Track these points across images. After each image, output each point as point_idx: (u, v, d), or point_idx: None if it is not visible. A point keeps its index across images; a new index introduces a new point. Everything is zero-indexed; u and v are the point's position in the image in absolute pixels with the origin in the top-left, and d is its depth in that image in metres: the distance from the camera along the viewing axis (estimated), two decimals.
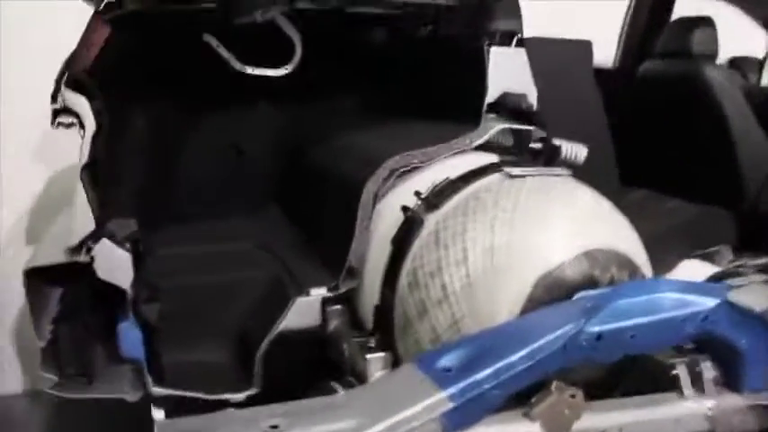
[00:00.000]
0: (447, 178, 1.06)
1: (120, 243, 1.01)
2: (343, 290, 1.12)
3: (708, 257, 1.42)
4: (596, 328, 0.82)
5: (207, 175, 1.54)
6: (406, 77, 1.50)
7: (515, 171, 1.02)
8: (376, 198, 1.12)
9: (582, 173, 1.20)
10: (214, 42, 1.34)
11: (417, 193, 1.06)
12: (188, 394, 1.07)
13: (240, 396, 1.12)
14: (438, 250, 0.97)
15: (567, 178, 1.04)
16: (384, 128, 1.32)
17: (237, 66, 1.36)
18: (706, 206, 1.52)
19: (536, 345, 0.80)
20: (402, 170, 1.12)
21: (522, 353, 0.79)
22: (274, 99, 1.56)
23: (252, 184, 1.57)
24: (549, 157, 1.12)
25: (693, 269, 1.38)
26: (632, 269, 0.95)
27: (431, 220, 1.01)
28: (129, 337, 1.03)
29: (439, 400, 0.77)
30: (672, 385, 0.95)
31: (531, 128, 1.21)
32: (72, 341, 1.09)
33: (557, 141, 1.13)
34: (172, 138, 1.48)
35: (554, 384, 0.83)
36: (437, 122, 1.27)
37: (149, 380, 1.03)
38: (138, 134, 1.39)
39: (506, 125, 1.19)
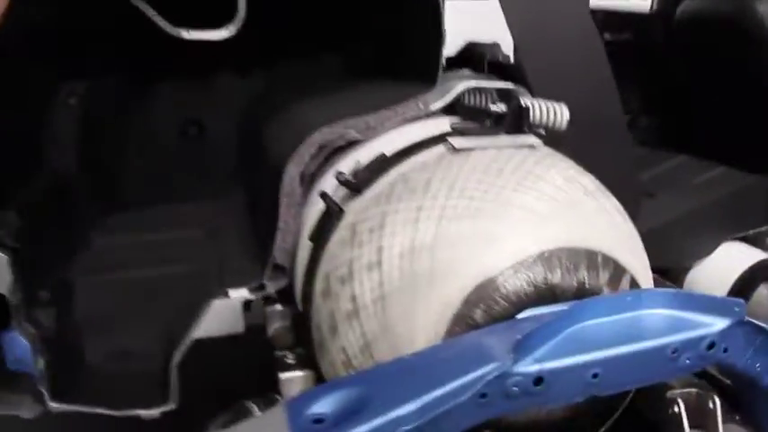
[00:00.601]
0: (381, 155, 0.82)
1: None
2: (270, 291, 0.93)
3: (755, 240, 1.13)
4: (533, 368, 0.56)
5: (156, 155, 1.36)
6: (362, 31, 1.26)
7: (461, 142, 0.75)
8: (304, 181, 0.91)
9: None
10: (140, 3, 1.16)
11: (339, 175, 0.83)
12: (92, 410, 0.93)
13: (154, 413, 0.97)
14: (352, 249, 0.72)
15: (535, 151, 0.77)
16: (330, 94, 1.09)
17: (170, 29, 1.16)
18: (758, 176, 1.21)
19: (435, 394, 0.56)
20: (339, 145, 0.89)
21: (412, 406, 0.54)
22: (225, 67, 1.36)
23: (206, 165, 1.39)
24: (515, 122, 0.86)
25: (735, 254, 1.09)
26: (615, 276, 0.68)
27: (350, 210, 0.77)
28: (13, 347, 0.92)
29: None
30: (670, 425, 0.70)
31: (508, 86, 0.96)
32: None
33: (528, 100, 0.87)
34: (109, 115, 1.30)
35: None
36: (389, 84, 1.02)
37: (46, 394, 0.90)
38: (66, 112, 1.22)
39: (472, 83, 0.94)
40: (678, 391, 0.71)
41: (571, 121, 0.91)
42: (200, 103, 1.40)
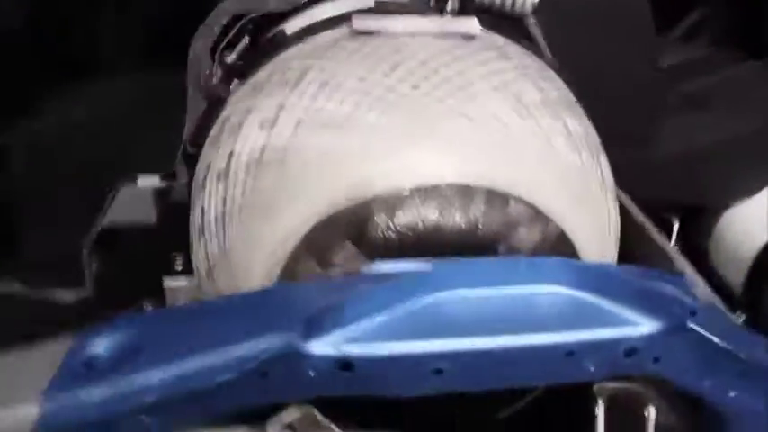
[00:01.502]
0: (280, 32, 0.61)
1: None
2: (182, 180, 0.79)
3: None
4: (329, 351, 0.39)
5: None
6: None
7: (363, 23, 0.54)
8: (215, 58, 0.73)
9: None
10: None
11: (222, 56, 0.63)
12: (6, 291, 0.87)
13: (69, 297, 0.89)
14: (211, 152, 0.55)
15: (468, 42, 0.53)
16: None
17: None
18: None
19: (195, 363, 0.40)
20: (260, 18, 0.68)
21: (165, 373, 0.39)
22: None
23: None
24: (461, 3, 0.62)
25: None
26: (542, 233, 0.47)
27: (230, 101, 0.58)
28: None
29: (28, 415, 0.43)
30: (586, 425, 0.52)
31: None
32: None
33: None
34: None
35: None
36: None
37: None
38: None
39: None
40: (609, 385, 0.52)
41: None
42: None
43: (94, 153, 0.97)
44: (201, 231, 0.54)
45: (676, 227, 0.80)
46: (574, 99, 0.58)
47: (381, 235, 0.45)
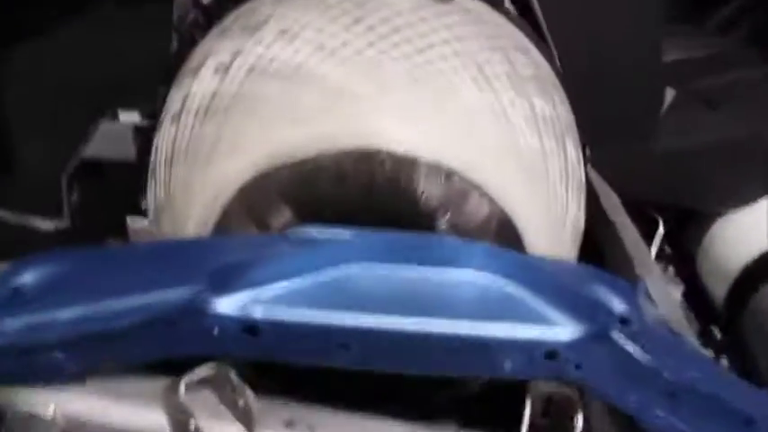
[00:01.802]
0: None
1: None
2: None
3: None
4: (234, 312, 0.37)
5: None
6: None
7: None
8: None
9: None
10: None
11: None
12: None
13: (48, 226, 0.89)
14: (171, 93, 0.53)
15: (439, 3, 0.49)
16: None
17: None
18: None
19: (99, 306, 0.39)
20: None
21: (72, 312, 0.38)
22: None
23: None
24: None
25: None
26: (485, 215, 0.45)
27: (201, 43, 0.54)
28: None
29: None
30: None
31: None
32: None
33: None
34: None
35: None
36: None
37: None
38: None
39: None
40: (543, 386, 0.50)
41: None
42: None
43: (86, 78, 0.96)
44: (152, 173, 0.53)
45: (661, 229, 0.76)
46: (554, 80, 0.55)
47: (317, 198, 0.44)
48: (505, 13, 0.55)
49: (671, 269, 0.83)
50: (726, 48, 0.92)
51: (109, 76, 0.98)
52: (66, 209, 0.82)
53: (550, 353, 0.39)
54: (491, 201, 0.45)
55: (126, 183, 0.85)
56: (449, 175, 0.44)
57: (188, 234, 0.48)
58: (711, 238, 0.81)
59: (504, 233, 0.46)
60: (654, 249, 0.78)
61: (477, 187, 0.45)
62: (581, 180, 0.54)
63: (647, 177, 0.78)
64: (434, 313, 0.38)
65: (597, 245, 0.64)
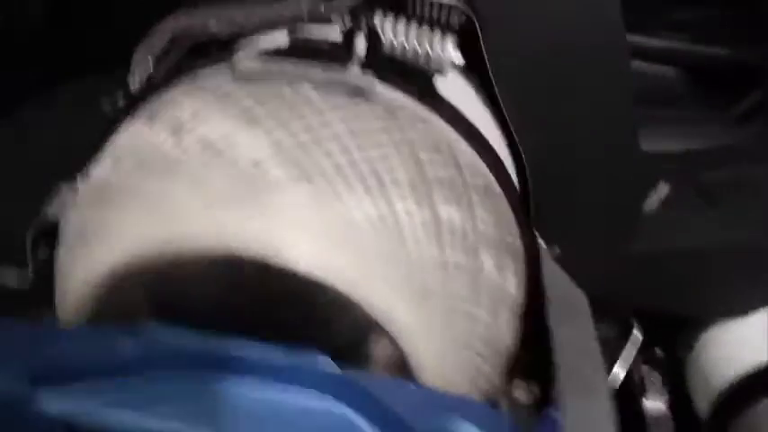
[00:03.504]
0: (174, 66, 0.57)
1: None
2: None
3: None
4: (63, 412, 0.36)
5: None
6: None
7: (247, 65, 0.49)
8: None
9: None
10: None
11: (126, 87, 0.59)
12: None
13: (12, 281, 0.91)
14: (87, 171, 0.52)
15: (346, 97, 0.47)
16: None
17: None
18: None
19: None
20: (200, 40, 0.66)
21: None
22: None
23: None
24: (369, 51, 0.52)
25: None
26: (360, 330, 0.42)
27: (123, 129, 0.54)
28: None
29: None
30: None
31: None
32: None
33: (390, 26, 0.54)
34: None
35: None
36: None
37: None
38: None
39: None
40: None
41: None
42: None
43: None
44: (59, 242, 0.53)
45: (639, 335, 0.70)
46: (481, 183, 0.51)
47: (176, 296, 0.42)
48: (436, 104, 0.52)
49: (657, 376, 0.76)
50: (738, 140, 0.84)
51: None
52: (30, 269, 0.83)
53: None
54: (368, 318, 0.42)
55: None
56: (321, 287, 0.42)
57: (66, 314, 0.48)
58: (701, 348, 0.73)
59: (384, 351, 0.43)
60: (630, 356, 0.72)
61: (346, 299, 0.42)
62: (504, 293, 0.50)
63: (630, 279, 0.72)
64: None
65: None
